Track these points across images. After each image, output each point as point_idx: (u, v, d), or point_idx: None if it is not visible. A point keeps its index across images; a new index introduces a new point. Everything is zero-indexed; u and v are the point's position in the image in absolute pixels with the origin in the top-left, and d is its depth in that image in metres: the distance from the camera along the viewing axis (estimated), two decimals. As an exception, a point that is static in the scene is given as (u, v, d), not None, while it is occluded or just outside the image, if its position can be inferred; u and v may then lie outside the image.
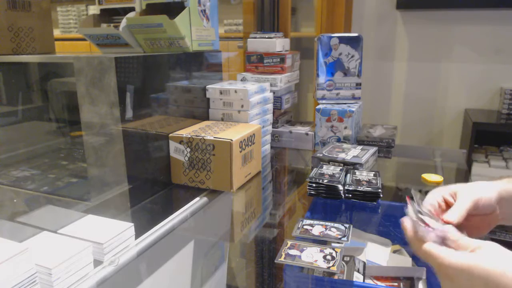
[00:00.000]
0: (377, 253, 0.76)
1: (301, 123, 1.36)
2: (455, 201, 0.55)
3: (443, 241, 0.46)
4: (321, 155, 1.00)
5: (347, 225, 0.71)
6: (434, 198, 0.56)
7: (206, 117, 1.06)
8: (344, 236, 0.67)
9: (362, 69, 1.25)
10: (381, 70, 2.33)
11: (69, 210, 0.75)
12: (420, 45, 2.23)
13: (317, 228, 0.70)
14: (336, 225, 0.71)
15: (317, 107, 1.20)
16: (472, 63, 2.15)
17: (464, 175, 1.20)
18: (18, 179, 0.91)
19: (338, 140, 1.19)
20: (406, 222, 0.50)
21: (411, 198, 0.53)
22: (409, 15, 2.22)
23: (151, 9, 0.96)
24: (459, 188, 0.56)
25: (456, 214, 0.52)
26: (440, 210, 0.55)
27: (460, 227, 0.52)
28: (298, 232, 0.68)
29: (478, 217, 0.55)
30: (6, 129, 1.05)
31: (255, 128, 0.96)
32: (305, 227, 0.70)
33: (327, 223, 0.72)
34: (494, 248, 0.42)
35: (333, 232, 0.68)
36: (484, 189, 0.55)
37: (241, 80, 1.25)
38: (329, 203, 0.84)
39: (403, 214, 0.78)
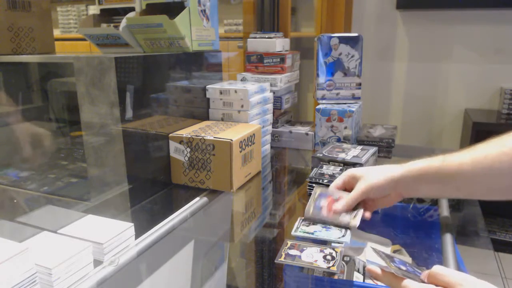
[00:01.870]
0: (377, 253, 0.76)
1: (301, 123, 1.36)
2: (353, 186, 0.69)
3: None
4: (321, 155, 1.00)
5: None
6: (339, 179, 0.73)
7: (206, 117, 1.06)
8: (343, 236, 0.67)
9: (362, 69, 1.25)
10: (381, 70, 2.33)
11: (69, 210, 0.75)
12: (420, 45, 2.23)
13: (317, 228, 0.69)
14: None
15: (317, 107, 1.20)
16: (472, 63, 2.15)
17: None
18: (18, 179, 0.91)
19: (338, 140, 1.19)
20: (373, 267, 0.52)
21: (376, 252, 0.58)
22: (409, 15, 2.22)
23: (151, 9, 0.96)
24: (359, 176, 0.69)
25: (344, 205, 0.67)
26: (342, 189, 0.72)
27: (357, 205, 0.68)
28: (298, 231, 0.68)
29: (372, 199, 0.69)
30: (6, 129, 1.05)
31: (255, 128, 0.96)
32: (303, 226, 0.70)
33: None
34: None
35: (333, 232, 0.68)
36: (379, 176, 0.65)
37: (241, 80, 1.25)
38: (329, 203, 0.84)
39: (403, 214, 0.78)
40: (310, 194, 0.84)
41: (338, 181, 0.74)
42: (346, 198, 0.69)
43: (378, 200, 0.69)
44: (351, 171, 0.72)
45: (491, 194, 0.59)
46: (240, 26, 2.61)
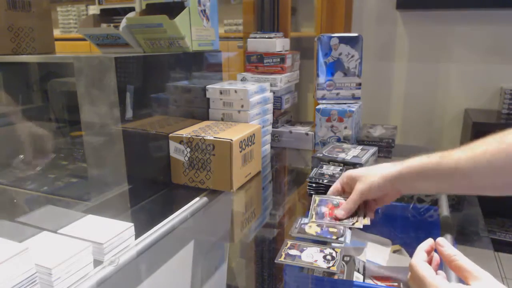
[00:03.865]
0: (377, 253, 0.76)
1: (301, 123, 1.36)
2: (352, 188, 0.70)
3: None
4: (321, 155, 1.00)
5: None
6: (337, 182, 0.75)
7: (206, 117, 1.06)
8: (341, 236, 0.67)
9: (362, 69, 1.25)
10: (381, 70, 2.33)
11: (69, 210, 0.75)
12: (420, 45, 2.23)
13: (314, 228, 0.70)
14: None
15: (317, 107, 1.20)
16: (472, 63, 2.15)
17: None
18: (18, 179, 0.91)
19: (338, 140, 1.19)
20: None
21: None
22: (409, 15, 2.22)
23: (151, 9, 0.96)
24: (356, 177, 0.70)
25: (345, 211, 0.69)
26: (342, 192, 0.74)
27: (359, 208, 0.69)
28: (295, 232, 0.68)
29: (372, 199, 0.70)
30: (6, 129, 1.05)
31: (255, 128, 0.96)
32: (302, 226, 0.70)
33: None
34: (489, 283, 0.42)
35: (331, 232, 0.68)
36: (376, 176, 0.66)
37: (241, 80, 1.25)
38: (329, 203, 0.84)
39: (403, 214, 0.78)
40: (310, 194, 0.84)
41: (336, 184, 0.75)
42: (346, 203, 0.69)
43: (378, 199, 0.70)
44: (348, 173, 0.73)
45: (488, 191, 0.59)
46: (240, 26, 2.61)
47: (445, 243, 0.49)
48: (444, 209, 0.78)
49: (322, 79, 1.25)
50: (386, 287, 0.66)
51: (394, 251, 0.78)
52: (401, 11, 2.22)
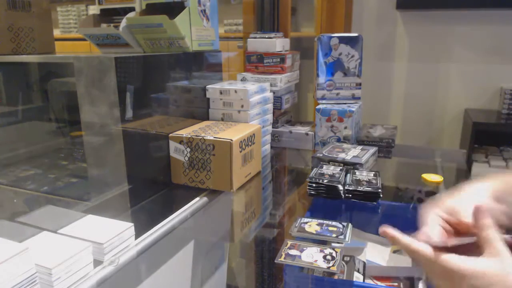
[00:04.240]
0: (377, 253, 0.76)
1: (301, 123, 1.36)
2: (457, 218, 0.50)
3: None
4: (321, 155, 1.00)
5: (345, 224, 0.71)
6: (435, 225, 0.50)
7: (206, 117, 1.06)
8: (341, 234, 0.67)
9: (362, 69, 1.25)
10: (381, 70, 2.33)
11: (69, 210, 0.75)
12: (420, 45, 2.23)
13: (314, 227, 0.70)
14: (333, 223, 0.71)
15: (317, 107, 1.20)
16: (472, 63, 2.15)
17: (464, 175, 1.20)
18: (18, 179, 0.91)
19: (338, 140, 1.19)
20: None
21: None
22: (409, 15, 2.22)
23: (151, 9, 0.96)
24: (458, 205, 0.51)
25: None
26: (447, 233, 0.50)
27: None
28: (295, 231, 0.68)
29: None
30: (6, 129, 1.05)
31: (255, 128, 0.96)
32: (302, 225, 0.70)
33: (324, 221, 0.72)
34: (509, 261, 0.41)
35: (330, 231, 0.68)
36: (480, 197, 0.51)
37: (241, 80, 1.25)
38: (329, 203, 0.84)
39: (403, 214, 0.78)
40: (310, 194, 0.84)
41: (434, 229, 0.49)
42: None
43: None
44: (441, 206, 0.52)
45: None
46: (240, 26, 2.61)
47: (486, 212, 0.44)
48: (444, 209, 0.78)
49: (322, 79, 1.25)
50: (386, 287, 0.66)
51: (394, 251, 0.78)
52: (401, 11, 2.22)
